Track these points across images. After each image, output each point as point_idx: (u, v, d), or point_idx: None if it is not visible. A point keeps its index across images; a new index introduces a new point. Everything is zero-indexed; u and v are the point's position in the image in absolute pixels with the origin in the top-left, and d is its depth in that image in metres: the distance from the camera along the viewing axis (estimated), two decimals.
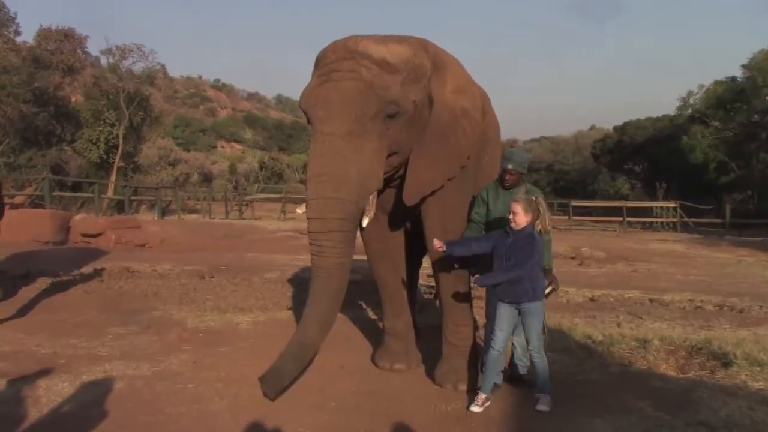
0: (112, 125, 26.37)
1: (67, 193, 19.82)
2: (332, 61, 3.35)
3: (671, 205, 24.38)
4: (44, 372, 3.88)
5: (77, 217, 12.69)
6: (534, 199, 3.47)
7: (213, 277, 8.14)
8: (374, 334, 4.90)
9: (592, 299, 7.03)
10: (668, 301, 6.84)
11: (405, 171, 3.65)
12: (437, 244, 3.58)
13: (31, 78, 23.93)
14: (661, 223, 24.24)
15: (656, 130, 34.32)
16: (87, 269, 8.25)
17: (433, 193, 3.72)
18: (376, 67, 3.29)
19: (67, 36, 26.75)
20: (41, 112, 24.37)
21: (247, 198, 29.39)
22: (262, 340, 4.79)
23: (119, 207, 20.87)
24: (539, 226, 3.47)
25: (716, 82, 28.14)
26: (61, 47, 26.37)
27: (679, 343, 4.62)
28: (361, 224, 3.42)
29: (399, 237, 4.28)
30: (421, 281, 6.13)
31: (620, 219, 23.11)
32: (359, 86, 3.25)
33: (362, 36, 3.44)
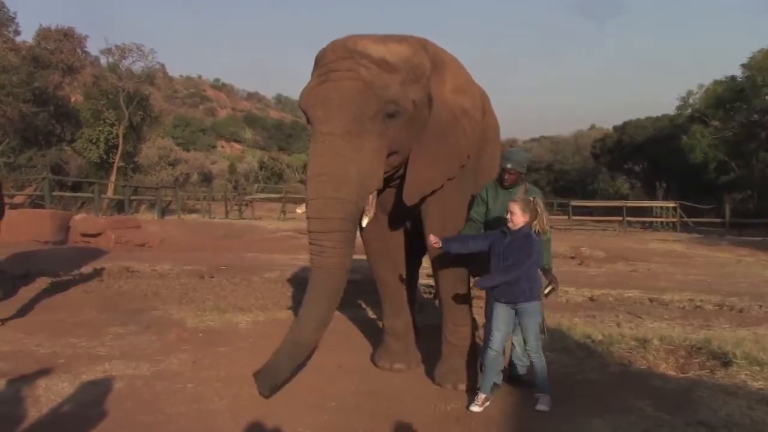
0: (112, 125, 26.32)
1: (67, 193, 19.78)
2: (331, 61, 3.34)
3: (671, 204, 24.43)
4: (44, 372, 3.88)
5: (77, 217, 12.67)
6: (532, 199, 3.46)
7: (213, 277, 8.14)
8: (374, 334, 4.90)
9: (591, 299, 7.03)
10: (668, 301, 6.85)
11: (405, 170, 3.65)
12: (433, 239, 3.57)
13: (30, 78, 23.87)
14: (661, 222, 24.28)
15: (656, 129, 34.37)
16: (87, 269, 8.24)
17: (432, 192, 3.72)
18: (375, 66, 3.29)
19: (67, 35, 26.66)
20: (41, 111, 24.32)
21: (247, 198, 29.40)
22: (262, 339, 4.78)
23: (119, 207, 20.84)
24: (537, 227, 3.46)
25: (716, 82, 28.17)
26: (60, 47, 26.28)
27: (678, 342, 4.62)
28: (361, 224, 3.42)
29: (399, 237, 4.28)
30: (421, 281, 6.13)
31: (620, 219, 23.12)
32: (358, 86, 3.25)
33: (361, 35, 3.44)
